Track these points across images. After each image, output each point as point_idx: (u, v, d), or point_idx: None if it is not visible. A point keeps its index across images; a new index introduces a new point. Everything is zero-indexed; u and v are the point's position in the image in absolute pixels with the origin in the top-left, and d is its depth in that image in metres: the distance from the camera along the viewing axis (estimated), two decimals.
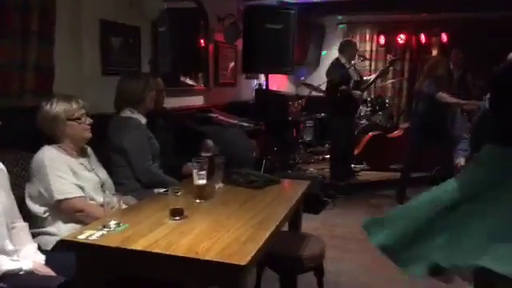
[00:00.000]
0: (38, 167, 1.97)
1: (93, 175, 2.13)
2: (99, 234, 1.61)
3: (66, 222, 2.00)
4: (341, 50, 4.98)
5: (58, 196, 1.93)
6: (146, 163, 2.51)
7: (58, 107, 2.03)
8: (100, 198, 2.00)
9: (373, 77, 5.47)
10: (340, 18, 7.14)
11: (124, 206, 2.05)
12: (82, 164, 2.11)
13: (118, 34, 3.23)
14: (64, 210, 1.97)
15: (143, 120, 2.61)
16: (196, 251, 1.47)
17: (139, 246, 1.51)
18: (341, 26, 7.30)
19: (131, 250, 1.50)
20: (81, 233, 1.63)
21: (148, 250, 1.49)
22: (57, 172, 1.96)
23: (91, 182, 2.09)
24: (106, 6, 3.11)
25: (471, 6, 5.44)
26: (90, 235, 1.60)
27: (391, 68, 6.19)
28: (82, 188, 2.02)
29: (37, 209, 1.98)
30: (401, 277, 2.89)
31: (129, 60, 3.37)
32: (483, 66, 4.80)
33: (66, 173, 1.98)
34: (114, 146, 2.52)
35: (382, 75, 5.99)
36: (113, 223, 1.68)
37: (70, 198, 1.95)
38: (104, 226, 1.67)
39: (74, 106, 2.07)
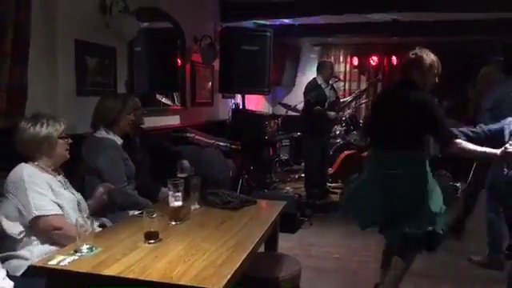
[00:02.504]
0: (16, 183, 1.93)
1: (70, 193, 2.11)
2: (70, 259, 1.58)
3: (42, 242, 1.94)
4: (318, 70, 5.11)
5: (37, 212, 1.89)
6: (120, 184, 2.48)
7: (49, 128, 2.01)
8: (78, 219, 1.97)
9: (350, 97, 5.62)
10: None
11: (98, 229, 2.02)
12: (59, 181, 2.09)
13: (93, 55, 3.22)
14: (41, 229, 1.91)
15: (119, 141, 2.58)
16: (171, 276, 1.46)
17: (112, 271, 1.49)
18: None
19: (103, 276, 1.47)
20: (52, 258, 1.59)
21: (121, 275, 1.46)
22: (36, 188, 1.92)
23: (69, 201, 2.06)
24: (81, 26, 3.10)
25: (437, 31, 5.72)
26: (61, 260, 1.56)
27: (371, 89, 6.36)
28: (60, 206, 1.98)
29: (12, 229, 1.91)
30: None
31: (104, 80, 3.35)
32: (451, 87, 4.98)
33: (45, 189, 1.95)
34: (88, 167, 2.48)
35: (361, 96, 6.16)
36: (85, 247, 1.65)
37: (48, 216, 1.91)
38: (76, 251, 1.63)
39: (63, 125, 2.08)
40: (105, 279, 1.47)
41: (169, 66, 4.66)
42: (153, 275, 1.46)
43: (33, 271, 1.65)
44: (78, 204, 2.12)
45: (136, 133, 3.00)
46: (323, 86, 4.98)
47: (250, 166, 5.16)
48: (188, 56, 4.75)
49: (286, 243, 3.48)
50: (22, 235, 1.93)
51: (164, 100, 4.78)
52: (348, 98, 5.72)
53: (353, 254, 3.66)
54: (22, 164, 1.99)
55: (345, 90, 7.41)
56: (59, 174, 2.13)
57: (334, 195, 5.33)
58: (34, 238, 1.94)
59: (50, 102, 2.85)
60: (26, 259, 1.89)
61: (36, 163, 2.02)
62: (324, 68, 5.09)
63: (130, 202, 2.48)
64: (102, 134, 2.56)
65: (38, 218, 1.89)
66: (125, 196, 2.48)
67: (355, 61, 7.40)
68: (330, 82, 5.15)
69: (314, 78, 5.07)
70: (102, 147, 2.50)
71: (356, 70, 7.47)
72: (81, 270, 1.50)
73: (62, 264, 1.54)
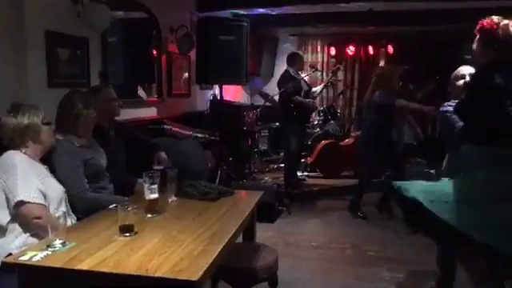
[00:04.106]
0: (7, 167, 1.91)
1: (57, 183, 2.10)
2: (43, 254, 1.55)
3: (24, 232, 1.91)
4: (288, 62, 5.10)
5: (21, 196, 1.86)
6: (79, 189, 2.28)
7: (31, 115, 2.02)
8: (61, 209, 1.98)
9: (320, 87, 5.63)
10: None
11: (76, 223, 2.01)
12: (46, 169, 2.09)
13: (64, 46, 3.13)
14: (22, 215, 1.89)
15: (77, 143, 2.40)
16: (146, 268, 1.45)
17: (85, 265, 1.47)
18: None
19: (76, 270, 1.45)
20: (23, 254, 1.56)
21: (95, 269, 1.45)
22: (26, 174, 1.92)
23: (56, 191, 2.05)
24: (51, 16, 3.00)
25: (412, 20, 5.82)
26: (33, 256, 1.53)
27: (335, 77, 6.35)
28: (45, 195, 1.96)
29: (1, 217, 1.89)
30: (355, 284, 2.98)
31: (77, 72, 3.27)
32: (426, 76, 5.07)
33: (35, 177, 1.95)
34: (52, 169, 2.36)
35: (328, 85, 6.20)
36: (58, 242, 1.62)
37: (31, 203, 1.88)
38: (48, 246, 1.60)
39: (43, 112, 2.07)
40: (78, 274, 1.45)
41: (144, 57, 4.59)
42: (128, 268, 1.45)
43: (5, 268, 1.62)
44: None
45: (111, 125, 2.94)
46: (296, 77, 4.99)
47: (228, 157, 5.15)
48: (164, 46, 4.68)
49: (265, 233, 3.52)
50: (8, 225, 1.90)
51: (140, 92, 4.71)
52: (318, 89, 5.71)
53: (330, 241, 3.72)
54: (11, 151, 1.99)
55: (322, 79, 7.44)
56: (44, 164, 2.12)
57: (305, 182, 5.39)
58: (17, 227, 1.91)
59: (20, 94, 2.76)
60: (3, 249, 1.84)
61: (23, 151, 2.01)
62: (295, 60, 5.08)
63: (93, 204, 2.27)
64: (58, 136, 2.33)
65: (21, 203, 1.87)
66: (84, 201, 2.27)
67: (332, 51, 7.44)
68: (302, 74, 5.16)
69: (287, 70, 5.05)
70: (58, 151, 2.31)
71: (333, 59, 7.51)
72: (53, 265, 1.48)
73: (34, 259, 1.51)
